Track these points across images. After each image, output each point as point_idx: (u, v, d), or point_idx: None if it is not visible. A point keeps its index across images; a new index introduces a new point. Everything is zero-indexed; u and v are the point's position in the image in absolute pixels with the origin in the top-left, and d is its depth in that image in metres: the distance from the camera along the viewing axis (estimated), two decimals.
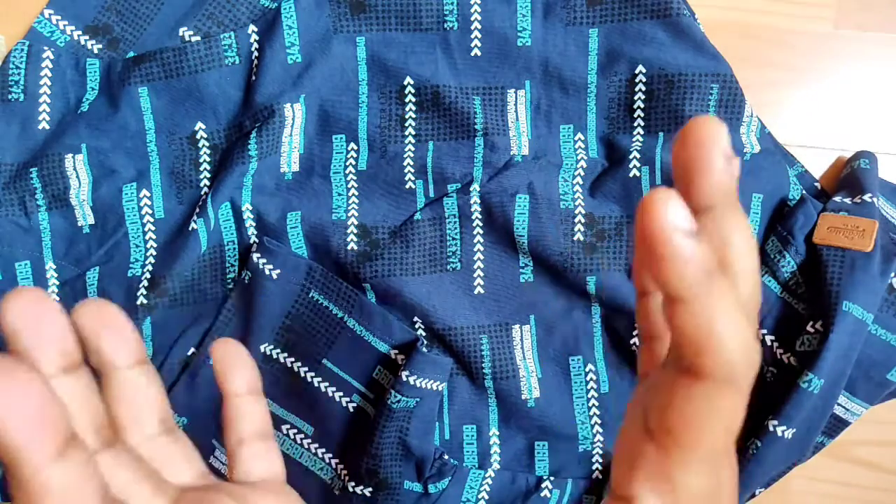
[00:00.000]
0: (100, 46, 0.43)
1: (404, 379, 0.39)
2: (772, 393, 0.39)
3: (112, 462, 0.20)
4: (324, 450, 0.43)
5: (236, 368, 0.26)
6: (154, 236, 0.42)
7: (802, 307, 0.40)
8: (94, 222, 0.42)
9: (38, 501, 0.16)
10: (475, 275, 0.43)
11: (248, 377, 0.26)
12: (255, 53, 0.42)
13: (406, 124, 0.43)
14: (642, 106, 0.43)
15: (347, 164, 0.44)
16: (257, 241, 0.43)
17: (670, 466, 0.17)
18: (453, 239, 0.42)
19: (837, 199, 0.41)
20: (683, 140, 0.17)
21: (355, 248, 0.43)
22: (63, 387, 0.19)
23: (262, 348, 0.42)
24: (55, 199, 0.42)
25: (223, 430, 0.26)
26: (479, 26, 0.42)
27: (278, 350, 0.42)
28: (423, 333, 0.42)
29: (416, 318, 0.42)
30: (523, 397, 0.43)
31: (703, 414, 0.16)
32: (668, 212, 0.15)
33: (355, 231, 0.43)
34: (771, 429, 0.38)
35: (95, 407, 0.21)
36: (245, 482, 0.26)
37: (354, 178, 0.43)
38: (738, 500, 0.40)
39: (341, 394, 0.42)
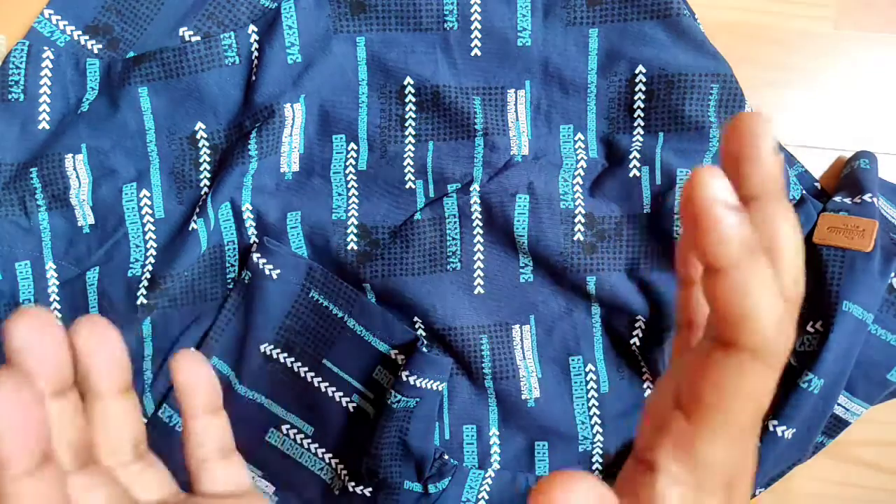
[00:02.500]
0: (100, 46, 0.43)
1: (404, 379, 0.39)
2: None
3: (87, 482, 0.21)
4: (324, 450, 0.43)
5: (196, 389, 0.25)
6: (154, 236, 0.42)
7: (802, 307, 0.40)
8: (94, 222, 0.42)
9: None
10: (475, 275, 0.43)
11: (208, 396, 0.26)
12: (255, 53, 0.42)
13: (406, 124, 0.43)
14: (642, 106, 0.43)
15: (347, 164, 0.44)
16: (257, 241, 0.43)
17: (696, 437, 0.17)
18: (453, 239, 0.42)
19: (837, 199, 0.41)
20: (734, 131, 0.17)
21: (355, 248, 0.43)
22: (53, 406, 0.20)
23: (262, 348, 0.42)
24: (55, 199, 0.42)
25: (183, 449, 0.26)
26: (479, 26, 0.42)
27: (278, 350, 0.42)
28: (423, 333, 0.42)
29: (416, 318, 0.42)
30: (523, 397, 0.43)
31: (734, 385, 0.16)
32: (714, 185, 0.16)
33: (355, 231, 0.43)
34: (771, 429, 0.38)
35: (78, 428, 0.21)
36: (214, 494, 0.26)
37: (354, 178, 0.43)
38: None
39: (341, 394, 0.42)
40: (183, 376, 0.25)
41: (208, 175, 0.43)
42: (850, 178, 0.43)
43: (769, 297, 0.16)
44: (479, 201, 0.42)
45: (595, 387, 0.44)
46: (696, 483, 0.18)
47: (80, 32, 0.42)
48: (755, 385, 0.17)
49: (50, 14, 0.42)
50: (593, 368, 0.44)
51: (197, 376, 0.25)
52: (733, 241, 0.16)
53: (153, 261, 0.42)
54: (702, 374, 0.17)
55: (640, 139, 0.43)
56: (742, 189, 0.17)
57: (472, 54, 0.43)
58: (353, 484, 0.42)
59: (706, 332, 0.18)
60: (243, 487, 0.27)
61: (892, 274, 0.38)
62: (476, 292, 0.42)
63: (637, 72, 0.42)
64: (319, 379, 0.42)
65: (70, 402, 0.21)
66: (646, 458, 0.19)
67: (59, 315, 0.42)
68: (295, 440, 0.42)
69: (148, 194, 0.42)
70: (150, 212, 0.42)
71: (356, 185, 0.43)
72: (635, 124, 0.43)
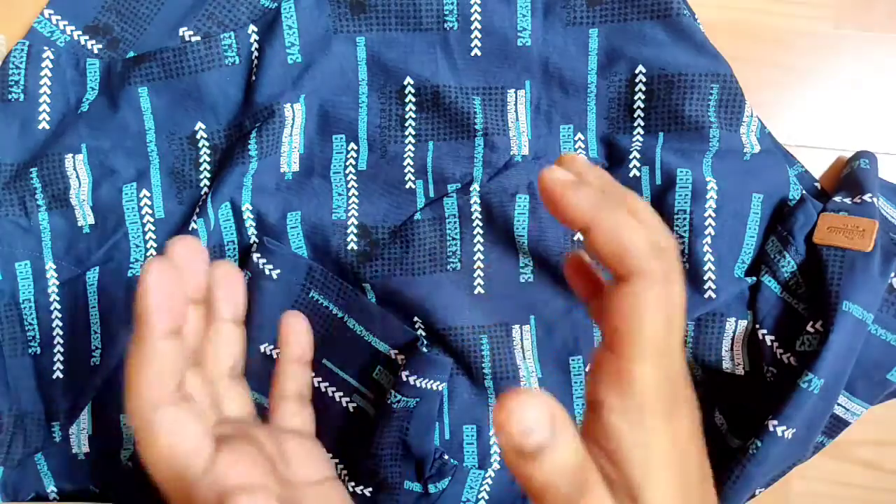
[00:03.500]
0: (100, 46, 0.43)
1: (404, 379, 0.39)
2: (772, 393, 0.39)
3: (192, 378, 0.26)
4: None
5: (296, 342, 0.33)
6: (154, 236, 0.42)
7: (802, 307, 0.40)
8: (94, 222, 0.42)
9: (144, 360, 0.21)
10: (475, 275, 0.43)
11: (304, 351, 0.33)
12: (255, 53, 0.42)
13: (406, 124, 0.43)
14: (642, 106, 0.43)
15: (347, 164, 0.44)
16: (257, 241, 0.43)
17: (623, 364, 0.20)
18: (453, 239, 0.42)
19: (837, 199, 0.41)
20: (541, 192, 0.21)
21: (355, 248, 0.43)
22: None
23: (262, 348, 0.42)
24: (55, 199, 0.42)
25: (272, 385, 0.33)
26: (479, 26, 0.42)
27: (278, 350, 0.42)
28: (423, 333, 0.42)
29: (416, 318, 0.42)
30: None
31: (635, 306, 0.20)
32: (552, 172, 0.21)
33: (355, 231, 0.43)
34: (771, 429, 0.38)
35: (197, 333, 0.27)
36: (283, 428, 0.31)
37: (354, 178, 0.43)
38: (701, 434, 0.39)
39: (341, 394, 0.42)
40: (286, 329, 0.33)
41: (208, 175, 0.43)
42: (850, 178, 0.43)
43: (635, 230, 0.20)
44: (479, 201, 0.42)
45: None
46: (636, 407, 0.20)
47: (80, 32, 0.42)
48: (656, 300, 0.20)
49: (50, 14, 0.42)
50: None
51: (301, 333, 0.33)
52: (581, 200, 0.20)
53: None
54: (610, 309, 0.20)
55: (640, 139, 0.43)
56: (571, 224, 0.22)
57: (472, 54, 0.43)
58: (353, 484, 0.42)
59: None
60: (307, 430, 0.33)
61: (892, 274, 0.38)
62: (476, 292, 0.42)
63: (637, 72, 0.42)
64: (319, 379, 0.42)
65: (197, 312, 0.27)
66: (592, 401, 0.21)
67: (59, 315, 0.42)
68: None
69: (148, 194, 0.42)
70: (150, 212, 0.42)
71: (356, 185, 0.43)
72: (635, 124, 0.43)
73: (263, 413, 0.32)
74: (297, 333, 0.33)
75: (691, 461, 0.21)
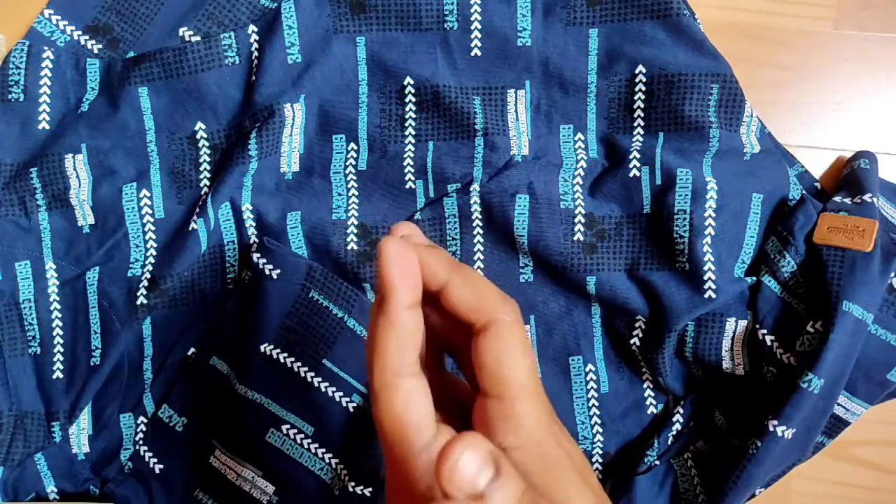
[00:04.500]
0: (100, 46, 0.43)
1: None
2: (772, 393, 0.39)
3: None
4: (324, 450, 0.43)
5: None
6: (154, 236, 0.42)
7: (802, 307, 0.40)
8: (94, 222, 0.42)
9: (391, 329, 0.21)
10: None
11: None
12: (255, 53, 0.42)
13: (406, 124, 0.43)
14: (642, 106, 0.43)
15: (347, 164, 0.44)
16: (257, 241, 0.43)
17: (508, 407, 0.21)
18: (453, 239, 0.42)
19: (837, 199, 0.41)
20: (384, 260, 0.21)
21: (355, 248, 0.43)
22: None
23: (262, 348, 0.42)
24: (55, 199, 0.42)
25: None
26: (479, 26, 0.42)
27: (278, 350, 0.42)
28: None
29: None
30: None
31: (506, 348, 0.21)
32: (396, 243, 0.22)
33: (355, 231, 0.43)
34: (771, 429, 0.38)
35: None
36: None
37: (354, 178, 0.43)
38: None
39: (341, 394, 0.42)
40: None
41: (208, 175, 0.43)
42: (850, 178, 0.43)
43: (486, 282, 0.23)
44: (479, 201, 0.42)
45: (595, 387, 0.44)
46: (535, 443, 0.21)
47: (80, 32, 0.42)
48: (516, 340, 0.22)
49: (50, 14, 0.42)
50: (593, 368, 0.44)
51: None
52: (437, 261, 0.22)
53: (153, 261, 0.42)
54: (480, 357, 0.22)
55: (640, 139, 0.43)
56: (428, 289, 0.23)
57: (472, 54, 0.43)
58: (353, 484, 0.42)
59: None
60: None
61: (892, 274, 0.38)
62: None
63: (637, 72, 0.42)
64: (319, 379, 0.42)
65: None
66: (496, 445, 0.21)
67: (59, 315, 0.42)
68: (295, 440, 0.42)
69: (148, 194, 0.42)
70: (150, 212, 0.42)
71: (356, 185, 0.43)
72: (635, 124, 0.43)
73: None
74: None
75: (584, 462, 0.23)
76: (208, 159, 0.43)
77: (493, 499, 0.19)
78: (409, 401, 0.22)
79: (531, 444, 0.22)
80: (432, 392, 0.22)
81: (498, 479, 0.19)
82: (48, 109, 0.42)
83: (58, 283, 0.42)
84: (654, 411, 0.44)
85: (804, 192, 0.42)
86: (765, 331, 0.40)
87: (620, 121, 0.43)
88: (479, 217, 0.42)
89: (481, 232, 0.42)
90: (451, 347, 0.26)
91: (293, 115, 0.42)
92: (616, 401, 0.44)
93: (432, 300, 0.24)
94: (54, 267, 0.42)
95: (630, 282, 0.42)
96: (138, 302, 0.41)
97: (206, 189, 0.43)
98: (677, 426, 0.43)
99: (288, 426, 0.42)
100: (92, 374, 0.42)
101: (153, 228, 0.42)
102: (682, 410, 0.43)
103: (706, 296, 0.40)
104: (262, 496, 0.42)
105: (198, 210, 0.41)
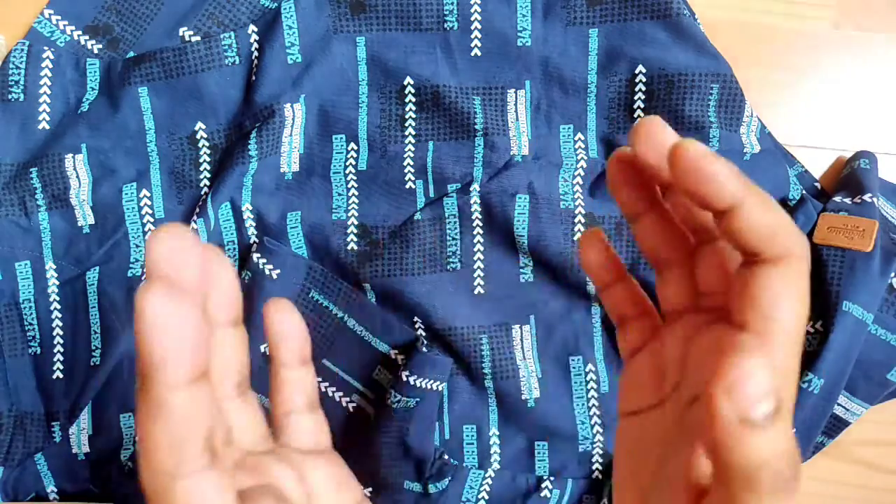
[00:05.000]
0: (100, 46, 0.43)
1: (404, 379, 0.39)
2: None
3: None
4: None
5: (288, 337, 0.25)
6: None
7: None
8: (94, 222, 0.42)
9: (156, 421, 0.16)
10: (475, 275, 0.43)
11: (300, 346, 0.26)
12: (255, 53, 0.42)
13: (406, 124, 0.43)
14: (642, 106, 0.43)
15: (347, 164, 0.44)
16: (257, 241, 0.43)
17: (765, 353, 0.18)
18: (453, 239, 0.42)
19: (837, 199, 0.41)
20: (677, 165, 0.19)
21: (355, 248, 0.43)
22: None
23: (262, 349, 0.42)
24: (55, 199, 0.42)
25: (271, 398, 0.26)
26: (479, 26, 0.42)
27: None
28: (423, 333, 0.42)
29: (416, 318, 0.42)
30: (523, 397, 0.43)
31: (786, 291, 0.18)
32: (694, 144, 0.18)
33: (355, 231, 0.43)
34: None
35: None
36: (297, 448, 0.26)
37: (354, 178, 0.43)
38: None
39: (341, 394, 0.42)
40: (277, 326, 0.25)
41: (208, 175, 0.43)
42: (850, 178, 0.43)
43: (780, 214, 0.19)
44: (479, 201, 0.42)
45: (595, 386, 0.44)
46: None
47: (80, 32, 0.42)
48: (799, 287, 0.19)
49: (50, 14, 0.42)
50: (593, 368, 0.44)
51: (290, 326, 0.25)
52: (731, 181, 0.18)
53: None
54: (750, 296, 0.19)
55: None
56: (713, 203, 0.19)
57: (472, 54, 0.43)
58: None
59: (704, 297, 0.21)
60: (323, 445, 0.27)
61: (892, 274, 0.38)
62: (476, 292, 0.42)
63: (637, 72, 0.42)
64: (319, 379, 0.42)
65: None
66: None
67: (59, 315, 0.42)
68: None
69: (148, 194, 0.42)
70: (150, 212, 0.42)
71: (356, 185, 0.43)
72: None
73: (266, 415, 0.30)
74: (290, 327, 0.25)
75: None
76: (208, 159, 0.43)
77: (766, 432, 0.16)
78: None
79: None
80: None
81: (777, 417, 0.16)
82: (48, 109, 0.42)
83: (58, 283, 0.42)
84: None
85: (804, 192, 0.42)
86: None
87: (620, 121, 0.43)
88: (479, 217, 0.42)
89: (481, 232, 0.42)
90: (654, 255, 0.23)
91: (293, 115, 0.42)
92: (616, 401, 0.44)
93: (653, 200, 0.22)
94: (54, 267, 0.42)
95: None
96: None
97: (206, 189, 0.43)
98: None
99: None
100: (92, 374, 0.42)
101: (153, 228, 0.42)
102: None
103: None
104: None
105: (198, 210, 0.41)
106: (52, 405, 0.42)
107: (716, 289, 0.22)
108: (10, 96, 0.41)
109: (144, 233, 0.42)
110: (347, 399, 0.42)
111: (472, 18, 0.42)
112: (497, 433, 0.44)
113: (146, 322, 0.15)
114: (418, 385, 0.40)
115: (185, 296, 0.16)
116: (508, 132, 0.43)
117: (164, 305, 0.15)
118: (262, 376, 0.42)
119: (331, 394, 0.42)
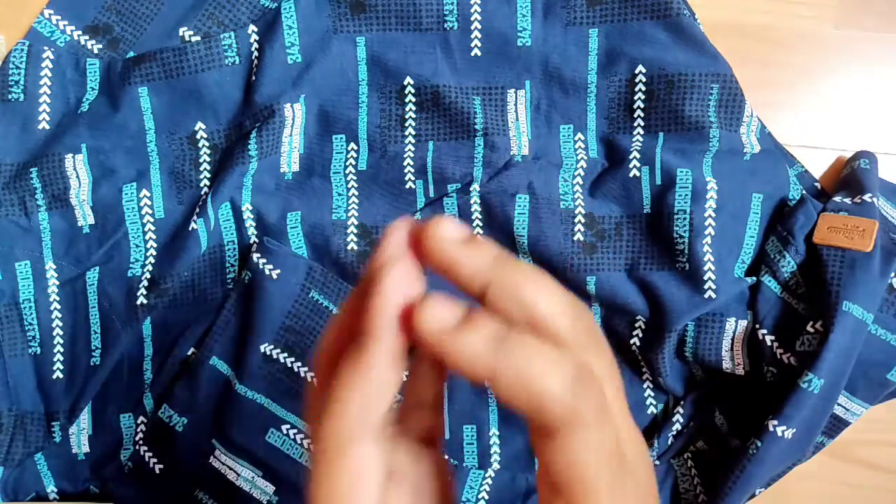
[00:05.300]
0: (100, 46, 0.43)
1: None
2: (772, 393, 0.39)
3: None
4: None
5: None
6: (154, 236, 0.42)
7: (802, 307, 0.40)
8: (94, 222, 0.42)
9: (362, 383, 0.18)
10: None
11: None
12: (255, 53, 0.42)
13: (406, 124, 0.43)
14: (642, 106, 0.43)
15: (347, 164, 0.44)
16: (257, 241, 0.43)
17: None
18: None
19: (837, 199, 0.41)
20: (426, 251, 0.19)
21: (355, 248, 0.43)
22: None
23: (262, 348, 0.42)
24: (55, 199, 0.42)
25: (406, 388, 0.25)
26: (479, 26, 0.42)
27: (278, 350, 0.42)
28: None
29: None
30: None
31: (577, 462, 0.17)
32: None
33: (355, 231, 0.43)
34: (771, 429, 0.38)
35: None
36: (417, 446, 0.24)
37: (354, 178, 0.43)
38: (739, 496, 0.39)
39: None
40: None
41: (208, 175, 0.43)
42: (850, 178, 0.43)
43: (547, 369, 0.16)
44: (478, 201, 0.42)
45: None
46: None
47: (80, 32, 0.42)
48: (591, 450, 0.17)
49: (50, 14, 0.42)
50: None
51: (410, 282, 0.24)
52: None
53: (153, 261, 0.42)
54: (547, 463, 0.17)
55: (640, 139, 0.43)
56: (467, 289, 0.19)
57: (472, 54, 0.43)
58: None
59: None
60: (434, 439, 0.25)
61: (892, 274, 0.38)
62: None
63: (637, 72, 0.42)
64: None
65: None
66: None
67: (59, 315, 0.42)
68: (295, 440, 0.42)
69: (148, 194, 0.42)
70: (150, 212, 0.42)
71: (356, 185, 0.43)
72: (635, 124, 0.43)
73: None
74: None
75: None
76: (208, 159, 0.43)
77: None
78: (360, 474, 0.18)
79: None
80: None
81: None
82: (48, 109, 0.42)
83: (58, 283, 0.42)
84: (654, 411, 0.44)
85: (804, 192, 0.42)
86: (765, 331, 0.40)
87: (620, 121, 0.43)
88: (479, 217, 0.42)
89: (481, 232, 0.42)
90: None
91: (293, 115, 0.42)
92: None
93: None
94: (54, 267, 0.42)
95: (630, 282, 0.42)
96: (138, 302, 0.41)
97: (206, 189, 0.43)
98: (677, 426, 0.43)
99: (288, 426, 0.42)
100: (92, 374, 0.42)
101: (153, 228, 0.42)
102: (682, 410, 0.43)
103: (706, 296, 0.40)
104: (262, 496, 0.42)
105: (198, 210, 0.41)
106: (52, 405, 0.42)
107: None
108: (10, 96, 0.41)
109: (144, 233, 0.42)
110: None
111: (472, 18, 0.42)
112: (497, 433, 0.44)
113: (388, 291, 0.17)
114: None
115: (419, 284, 0.18)
116: (508, 132, 0.43)
117: (402, 279, 0.18)
118: (262, 376, 0.42)
119: None
